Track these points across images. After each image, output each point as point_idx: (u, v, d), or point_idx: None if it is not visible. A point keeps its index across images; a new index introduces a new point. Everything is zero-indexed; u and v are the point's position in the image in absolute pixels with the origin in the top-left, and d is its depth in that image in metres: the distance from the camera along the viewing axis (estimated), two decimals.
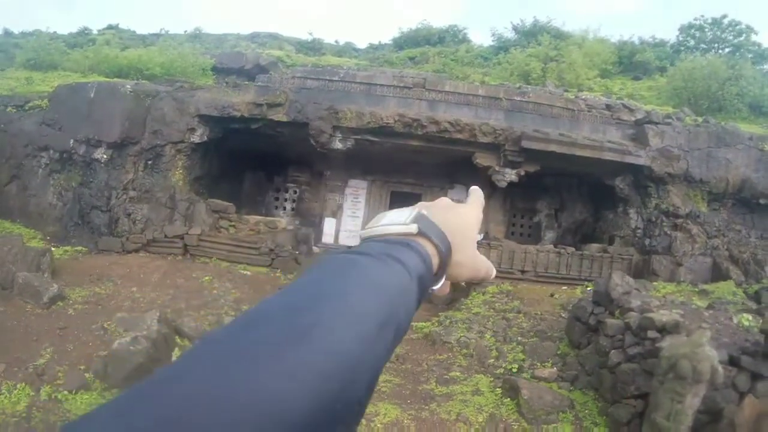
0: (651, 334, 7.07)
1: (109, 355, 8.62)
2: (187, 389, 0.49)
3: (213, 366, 0.51)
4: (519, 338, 10.37)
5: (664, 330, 6.98)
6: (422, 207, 0.88)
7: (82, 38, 32.10)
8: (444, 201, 0.94)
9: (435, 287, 0.82)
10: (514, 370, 9.04)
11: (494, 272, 0.99)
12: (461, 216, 0.92)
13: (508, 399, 7.88)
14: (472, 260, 0.91)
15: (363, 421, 6.19)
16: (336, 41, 36.49)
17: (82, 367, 8.71)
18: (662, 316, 7.23)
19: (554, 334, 10.38)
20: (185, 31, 35.53)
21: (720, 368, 5.39)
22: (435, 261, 0.80)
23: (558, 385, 8.39)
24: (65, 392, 8.19)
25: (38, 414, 7.80)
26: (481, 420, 7.31)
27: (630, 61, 30.38)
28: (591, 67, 26.18)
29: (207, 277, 13.55)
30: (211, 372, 0.50)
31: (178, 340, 9.70)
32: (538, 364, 9.20)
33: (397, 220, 0.82)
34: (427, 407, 7.65)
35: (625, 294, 8.77)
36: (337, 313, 0.59)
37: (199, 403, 0.48)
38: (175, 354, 9.44)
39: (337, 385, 0.54)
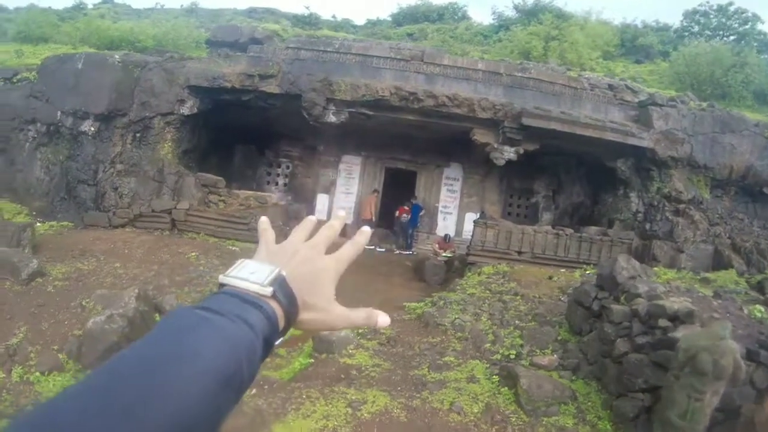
0: (662, 322, 6.51)
1: (83, 334, 8.19)
2: None
3: (71, 423, 0.55)
4: (516, 322, 9.90)
5: (676, 319, 6.45)
6: (283, 260, 0.94)
7: (76, 12, 31.60)
8: (303, 254, 0.98)
9: (277, 342, 0.85)
10: (512, 357, 8.53)
11: (380, 321, 1.04)
12: (318, 274, 0.96)
13: (506, 388, 7.35)
14: (324, 316, 0.95)
15: (349, 410, 5.77)
16: (333, 16, 35.75)
17: (55, 347, 8.29)
18: (674, 303, 6.69)
19: (553, 318, 9.91)
20: (181, 6, 35.00)
21: (743, 363, 4.93)
22: (281, 323, 0.85)
23: (559, 374, 7.87)
24: (37, 374, 7.78)
25: (8, 397, 7.40)
26: (476, 410, 6.82)
27: (632, 44, 30.10)
28: (593, 48, 25.67)
29: (193, 253, 13.11)
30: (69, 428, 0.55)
31: (157, 317, 9.24)
32: (537, 350, 8.69)
33: (257, 278, 0.85)
34: (418, 395, 7.17)
35: (631, 279, 8.25)
36: (187, 374, 0.64)
37: None
38: None
39: None
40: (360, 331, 9.46)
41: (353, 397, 6.98)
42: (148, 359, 0.65)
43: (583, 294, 9.04)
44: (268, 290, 0.83)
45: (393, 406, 6.82)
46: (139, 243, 13.53)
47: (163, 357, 0.65)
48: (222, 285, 0.86)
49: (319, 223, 1.11)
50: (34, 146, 16.61)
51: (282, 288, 0.86)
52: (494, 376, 7.80)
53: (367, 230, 1.08)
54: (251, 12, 33.66)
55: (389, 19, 37.37)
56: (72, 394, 0.59)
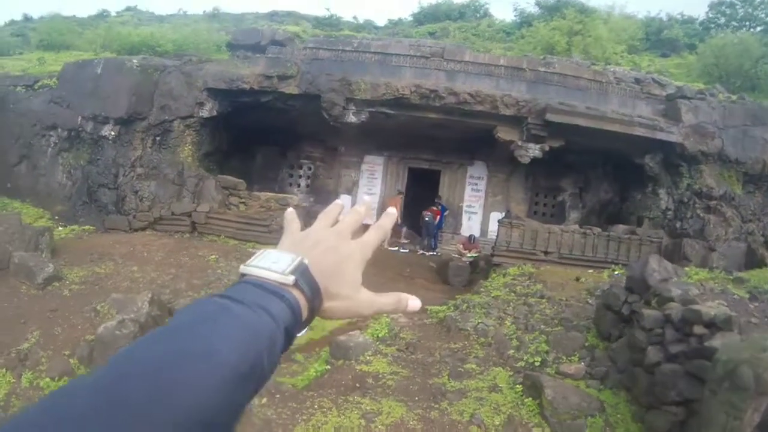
0: (697, 329, 5.98)
1: (95, 339, 8.04)
2: None
3: (77, 423, 0.53)
4: (542, 326, 9.45)
5: (712, 325, 5.93)
6: (306, 248, 0.91)
7: (99, 20, 32.00)
8: (327, 241, 0.95)
9: (300, 333, 0.83)
10: (537, 364, 8.09)
11: (411, 304, 1.00)
12: (343, 262, 0.93)
13: (530, 398, 6.93)
14: (350, 303, 0.93)
15: (362, 421, 5.46)
16: (354, 17, 35.56)
17: (66, 353, 8.15)
18: (710, 308, 6.15)
19: (581, 322, 9.44)
20: (204, 11, 35.25)
21: None
22: (305, 313, 0.83)
23: (586, 383, 7.40)
24: (47, 379, 7.66)
25: (17, 402, 7.30)
26: (497, 423, 6.41)
27: (657, 37, 29.41)
28: (618, 42, 25.10)
29: (213, 256, 12.96)
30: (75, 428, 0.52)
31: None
32: (564, 357, 8.22)
33: (278, 267, 0.83)
34: (437, 406, 6.79)
35: (663, 281, 7.75)
36: (203, 368, 0.61)
37: None
38: None
39: None
40: (379, 336, 9.17)
41: (368, 408, 6.65)
42: (162, 353, 0.62)
43: (612, 297, 8.55)
44: (290, 279, 0.82)
45: (409, 417, 6.47)
46: (158, 246, 13.44)
47: (178, 351, 0.63)
48: (243, 275, 0.84)
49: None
50: (55, 151, 16.75)
51: (304, 277, 0.84)
52: (517, 386, 7.39)
53: (392, 211, 1.07)
54: (273, 15, 33.60)
55: (410, 18, 37.12)
56: (80, 389, 0.57)
